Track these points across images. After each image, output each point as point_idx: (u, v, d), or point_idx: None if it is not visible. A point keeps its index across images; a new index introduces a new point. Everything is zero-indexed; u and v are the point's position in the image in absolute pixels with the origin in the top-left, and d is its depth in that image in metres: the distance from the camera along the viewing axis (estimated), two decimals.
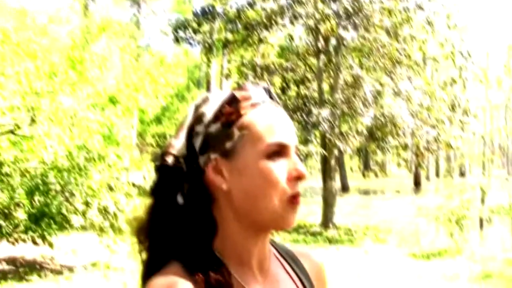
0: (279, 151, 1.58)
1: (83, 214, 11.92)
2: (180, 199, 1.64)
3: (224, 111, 1.62)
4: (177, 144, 1.66)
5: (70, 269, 12.72)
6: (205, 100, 1.68)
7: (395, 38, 20.34)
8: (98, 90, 15.05)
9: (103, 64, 15.61)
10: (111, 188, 12.52)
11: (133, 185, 14.18)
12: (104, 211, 12.18)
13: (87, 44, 15.73)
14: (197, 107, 1.67)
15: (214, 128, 1.62)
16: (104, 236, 12.39)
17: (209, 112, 1.64)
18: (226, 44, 24.98)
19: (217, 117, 1.62)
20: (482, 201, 19.62)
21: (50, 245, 11.84)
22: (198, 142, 1.63)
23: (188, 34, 25.36)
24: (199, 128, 1.63)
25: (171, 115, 51.62)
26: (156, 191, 1.68)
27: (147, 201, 1.71)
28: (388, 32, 20.33)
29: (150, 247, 1.70)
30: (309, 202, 30.39)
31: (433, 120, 20.47)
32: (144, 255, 1.71)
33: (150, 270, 1.64)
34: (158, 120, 49.72)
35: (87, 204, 12.00)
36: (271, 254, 1.76)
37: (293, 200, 1.59)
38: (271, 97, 1.68)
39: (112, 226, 12.30)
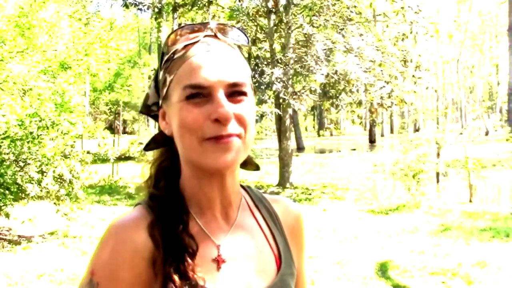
0: (199, 93, 1.52)
1: (39, 182, 11.78)
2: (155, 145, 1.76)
3: (166, 57, 1.63)
4: (150, 92, 1.75)
5: (28, 239, 12.64)
6: None
7: None
8: (48, 56, 14.87)
9: (52, 30, 15.41)
10: (65, 156, 12.42)
11: (88, 152, 14.09)
12: (59, 179, 12.08)
13: (35, 11, 15.46)
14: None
15: (160, 75, 1.65)
16: (61, 204, 12.32)
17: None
18: (175, 7, 24.75)
19: (162, 63, 1.65)
20: (438, 155, 19.78)
21: (7, 215, 11.72)
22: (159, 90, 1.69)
23: None
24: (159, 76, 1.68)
25: (124, 82, 51.28)
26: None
27: None
28: None
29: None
30: (266, 163, 30.56)
31: (386, 76, 20.53)
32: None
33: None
34: (110, 87, 49.39)
35: (42, 172, 11.88)
36: (243, 203, 1.75)
37: (215, 140, 1.52)
38: (216, 35, 1.63)
39: (68, 194, 12.23)
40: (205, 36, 1.61)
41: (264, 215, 1.79)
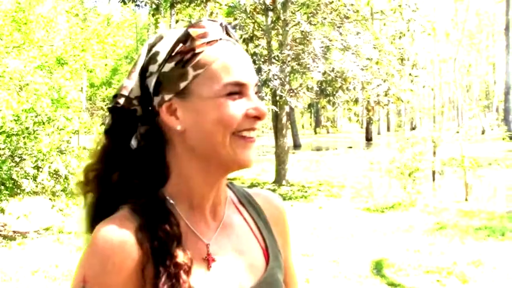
0: (237, 90, 1.55)
1: (34, 178, 11.77)
2: (134, 142, 1.63)
3: (178, 49, 1.57)
4: (130, 85, 1.63)
5: (23, 235, 12.62)
6: (159, 39, 1.65)
7: None
8: (45, 52, 14.85)
9: (48, 25, 15.40)
10: (61, 152, 12.40)
11: (84, 148, 14.07)
12: (55, 175, 12.06)
13: (31, 6, 15.45)
14: (151, 46, 1.64)
15: (168, 67, 1.57)
16: (56, 200, 12.30)
17: (163, 51, 1.60)
18: (173, 4, 24.74)
19: (171, 56, 1.58)
20: (434, 153, 19.79)
21: (2, 211, 11.71)
22: (152, 82, 1.60)
23: None
24: (153, 68, 1.60)
25: (121, 78, 51.28)
26: (109, 132, 1.66)
27: (100, 142, 1.69)
28: None
29: (99, 190, 1.67)
30: (262, 160, 30.51)
31: (383, 74, 20.51)
32: (89, 198, 1.68)
33: (98, 214, 1.63)
34: (108, 83, 49.41)
35: (37, 168, 11.86)
36: (228, 200, 1.75)
37: (246, 138, 1.57)
38: (228, 34, 1.64)
39: (64, 189, 12.21)
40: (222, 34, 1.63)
41: (249, 210, 1.80)
